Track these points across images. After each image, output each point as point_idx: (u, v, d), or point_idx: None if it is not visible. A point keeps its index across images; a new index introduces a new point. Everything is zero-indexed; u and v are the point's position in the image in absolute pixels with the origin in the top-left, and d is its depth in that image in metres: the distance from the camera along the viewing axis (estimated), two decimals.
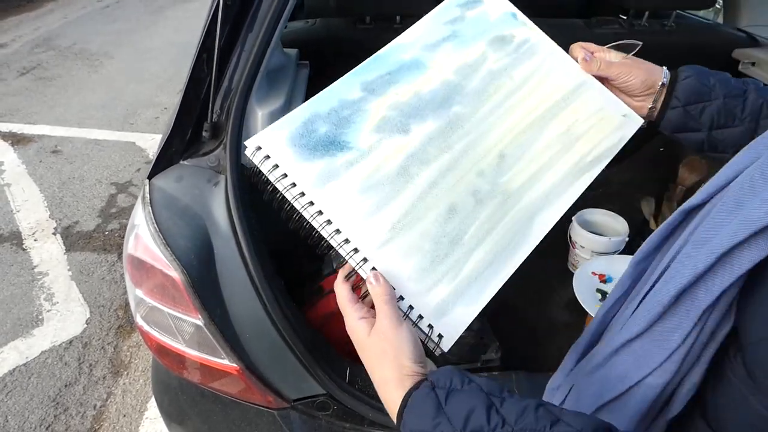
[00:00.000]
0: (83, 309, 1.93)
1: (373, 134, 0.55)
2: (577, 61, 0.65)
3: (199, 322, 0.72)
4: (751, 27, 1.38)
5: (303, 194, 0.50)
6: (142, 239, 0.73)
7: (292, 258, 1.04)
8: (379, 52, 0.62)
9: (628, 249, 1.28)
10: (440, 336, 0.49)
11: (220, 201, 0.77)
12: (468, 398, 0.40)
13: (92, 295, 1.99)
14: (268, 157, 0.51)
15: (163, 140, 0.83)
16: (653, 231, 1.29)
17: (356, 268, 0.50)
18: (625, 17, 1.32)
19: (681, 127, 0.63)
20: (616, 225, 1.31)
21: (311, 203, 0.50)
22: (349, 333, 0.48)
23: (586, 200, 1.55)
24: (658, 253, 0.50)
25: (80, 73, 4.09)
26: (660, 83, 0.63)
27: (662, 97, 0.63)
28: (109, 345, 1.80)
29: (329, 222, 0.50)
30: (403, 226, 0.52)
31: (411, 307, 0.49)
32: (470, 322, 0.50)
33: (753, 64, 1.28)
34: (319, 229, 0.50)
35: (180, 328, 0.76)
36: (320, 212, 0.50)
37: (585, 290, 1.06)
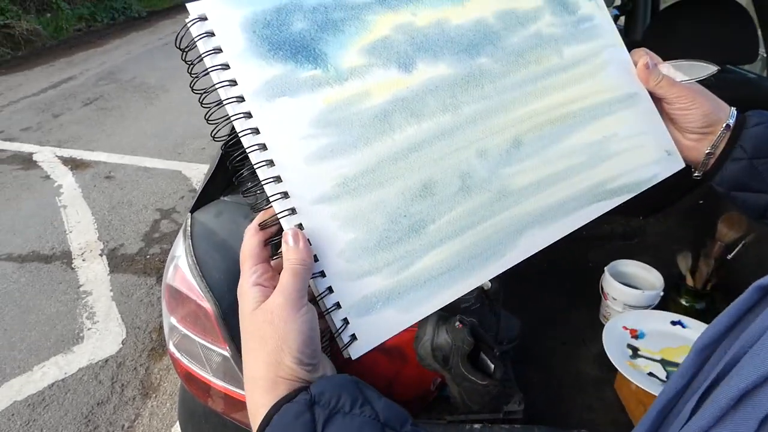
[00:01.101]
0: (120, 329, 2.00)
1: (363, 56, 0.42)
2: (636, 66, 0.54)
3: (227, 353, 0.74)
4: None
5: (242, 99, 0.38)
6: (181, 270, 0.78)
7: None
8: None
9: (663, 304, 1.24)
10: (353, 337, 0.38)
11: None
12: (354, 428, 0.32)
13: (130, 316, 2.07)
14: (212, 34, 0.38)
15: (207, 176, 0.88)
16: (689, 287, 1.25)
17: (279, 218, 0.38)
18: None
19: (742, 185, 0.52)
20: (651, 278, 1.28)
21: (248, 115, 0.38)
22: (238, 297, 0.37)
23: (621, 250, 1.53)
24: (727, 339, 0.40)
25: (138, 105, 4.37)
26: (724, 124, 0.51)
27: (723, 143, 0.51)
28: (141, 366, 1.85)
29: (263, 147, 0.38)
30: (358, 186, 0.40)
31: (330, 290, 0.38)
32: (397, 332, 0.40)
33: None
34: (248, 152, 0.38)
35: (208, 357, 0.79)
36: (256, 131, 0.38)
37: (615, 345, 1.04)
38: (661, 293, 1.23)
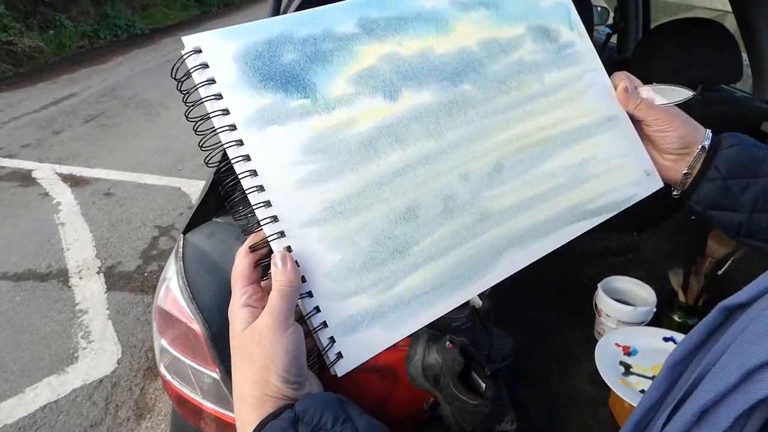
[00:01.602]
0: (116, 348, 2.00)
1: (350, 85, 0.44)
2: (616, 90, 0.56)
3: (216, 375, 0.75)
4: None
5: (234, 128, 0.40)
6: (172, 292, 0.78)
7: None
8: None
9: (656, 320, 1.24)
10: (339, 355, 0.40)
11: None
12: None
13: (126, 334, 2.06)
14: (206, 66, 0.40)
15: (200, 198, 0.89)
16: (681, 303, 1.25)
17: (268, 240, 0.39)
18: None
19: (717, 204, 0.54)
20: (644, 294, 1.28)
21: (240, 142, 0.40)
22: (229, 318, 0.39)
23: (615, 266, 1.53)
24: (697, 356, 0.42)
25: (139, 122, 4.41)
26: (700, 146, 0.53)
27: (699, 164, 0.54)
28: (136, 386, 1.84)
29: (254, 173, 0.40)
30: (344, 210, 0.42)
31: (317, 309, 0.40)
32: (381, 350, 0.41)
33: None
34: (240, 177, 0.40)
35: (199, 379, 0.79)
36: (248, 158, 0.40)
37: (607, 362, 1.04)
38: (654, 309, 1.23)
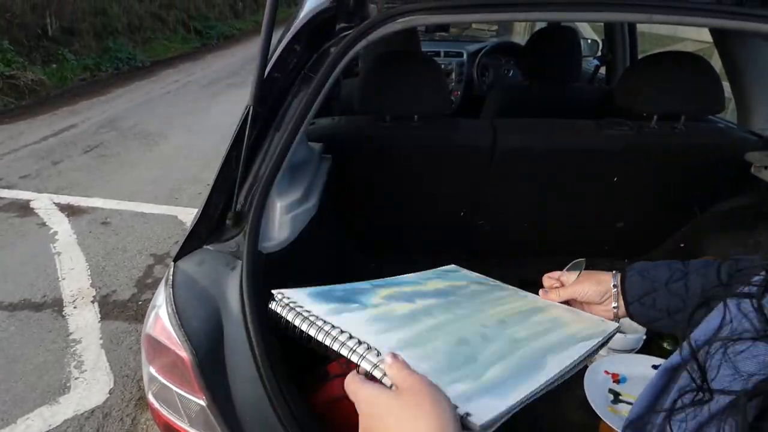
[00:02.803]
0: (108, 378, 1.98)
1: (383, 299, 0.65)
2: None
3: (203, 402, 0.75)
4: (765, 130, 1.41)
5: (318, 318, 0.56)
6: (161, 319, 0.79)
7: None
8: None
9: (647, 348, 1.25)
10: (467, 414, 0.46)
11: (234, 285, 0.83)
12: None
13: (119, 364, 2.05)
14: (293, 302, 0.59)
15: (191, 226, 0.91)
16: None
17: (370, 370, 0.49)
18: (634, 120, 1.38)
19: (648, 319, 0.69)
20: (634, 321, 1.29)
21: (325, 322, 0.56)
22: (365, 405, 0.45)
23: None
24: (654, 413, 0.46)
25: (137, 152, 4.46)
26: (612, 287, 0.71)
27: (620, 299, 0.70)
28: (128, 417, 1.82)
29: (342, 331, 0.54)
30: (416, 343, 0.56)
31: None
32: (503, 410, 0.48)
33: (766, 167, 1.30)
34: (331, 337, 0.54)
35: (186, 407, 0.79)
36: (333, 326, 0.55)
37: (596, 390, 1.04)
38: (644, 336, 1.23)
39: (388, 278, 0.74)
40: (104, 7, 8.19)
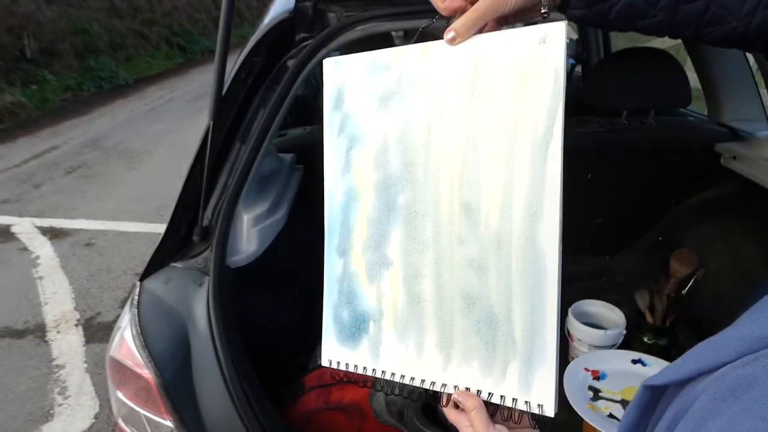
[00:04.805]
0: (93, 403, 1.95)
1: (370, 283, 0.58)
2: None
3: (171, 424, 0.74)
4: (734, 122, 1.42)
5: (374, 370, 0.59)
6: (125, 341, 0.78)
7: (277, 354, 1.06)
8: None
9: (628, 343, 1.25)
10: (540, 405, 0.49)
11: (201, 301, 0.82)
12: None
13: (104, 388, 2.01)
14: (344, 363, 0.61)
15: (158, 244, 0.90)
16: (649, 324, 1.25)
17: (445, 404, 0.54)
18: (604, 116, 1.39)
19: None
20: (614, 317, 1.29)
21: (383, 372, 0.58)
22: None
23: (589, 289, 1.54)
24: None
25: (121, 170, 4.43)
26: None
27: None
28: None
29: (402, 376, 0.57)
30: (445, 341, 0.54)
31: (502, 397, 0.51)
32: (555, 377, 0.49)
33: (734, 158, 1.31)
34: (395, 381, 0.57)
35: (155, 429, 0.78)
36: (393, 374, 0.57)
37: (575, 387, 1.03)
38: (624, 332, 1.23)
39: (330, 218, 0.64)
40: (84, 27, 8.14)
